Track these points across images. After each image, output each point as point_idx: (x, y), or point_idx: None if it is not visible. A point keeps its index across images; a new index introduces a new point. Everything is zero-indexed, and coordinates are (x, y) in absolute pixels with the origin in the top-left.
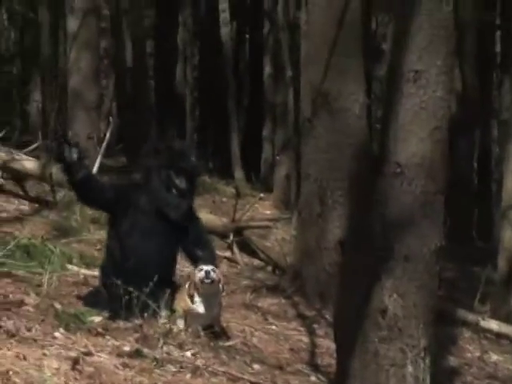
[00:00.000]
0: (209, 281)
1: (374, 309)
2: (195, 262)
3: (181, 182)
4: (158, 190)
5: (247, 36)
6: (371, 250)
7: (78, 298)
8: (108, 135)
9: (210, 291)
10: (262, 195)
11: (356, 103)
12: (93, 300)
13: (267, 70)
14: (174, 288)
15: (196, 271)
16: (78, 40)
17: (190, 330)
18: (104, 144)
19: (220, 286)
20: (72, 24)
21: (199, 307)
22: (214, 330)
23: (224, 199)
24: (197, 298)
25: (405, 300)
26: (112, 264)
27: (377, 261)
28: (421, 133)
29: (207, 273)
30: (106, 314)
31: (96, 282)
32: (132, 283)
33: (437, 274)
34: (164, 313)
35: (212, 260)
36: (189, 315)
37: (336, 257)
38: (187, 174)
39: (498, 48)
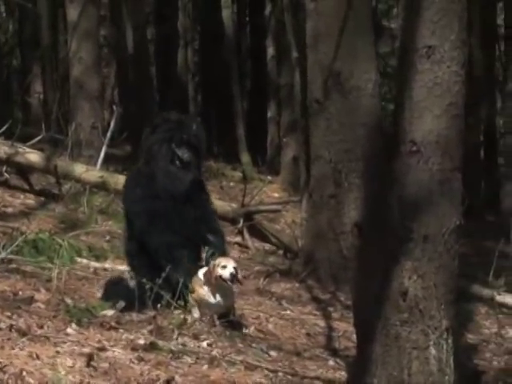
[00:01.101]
0: (231, 284)
1: (394, 291)
2: (205, 245)
3: (184, 154)
4: (162, 164)
5: (247, 19)
6: (389, 232)
7: (89, 291)
8: (112, 124)
9: (228, 285)
10: (269, 178)
11: (369, 82)
12: (105, 293)
13: (270, 51)
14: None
15: (217, 267)
16: (78, 29)
17: (204, 319)
18: (109, 133)
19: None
20: (72, 13)
21: (215, 298)
22: (229, 319)
23: (232, 184)
24: (213, 290)
25: (425, 281)
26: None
27: (395, 242)
28: (436, 109)
29: (233, 275)
30: (119, 307)
31: (106, 275)
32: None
33: (457, 253)
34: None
35: (223, 246)
36: (202, 305)
37: (353, 240)
38: (190, 145)
39: (500, 19)
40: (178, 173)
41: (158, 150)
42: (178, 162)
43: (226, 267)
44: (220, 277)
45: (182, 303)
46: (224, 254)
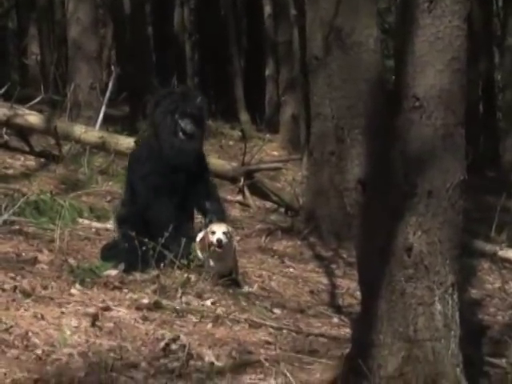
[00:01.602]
0: (220, 249)
1: (399, 247)
2: (204, 214)
3: (187, 125)
4: (166, 136)
5: None
6: (393, 188)
7: (92, 252)
8: (110, 84)
9: (227, 248)
10: (268, 137)
11: (370, 38)
12: (108, 253)
13: (267, 9)
14: (190, 237)
15: (208, 233)
16: None
17: (208, 277)
18: (107, 94)
19: (233, 240)
20: None
21: (211, 261)
22: (232, 278)
23: (231, 143)
24: (209, 255)
25: (430, 236)
26: (128, 218)
27: (399, 198)
28: (438, 64)
29: (219, 241)
30: (122, 267)
31: (109, 235)
32: (148, 235)
33: (461, 208)
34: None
35: (221, 213)
36: (205, 267)
37: (356, 196)
38: (193, 117)
39: None
40: (181, 144)
41: (162, 121)
42: (181, 134)
43: (214, 233)
44: (210, 242)
45: (185, 262)
46: (222, 219)
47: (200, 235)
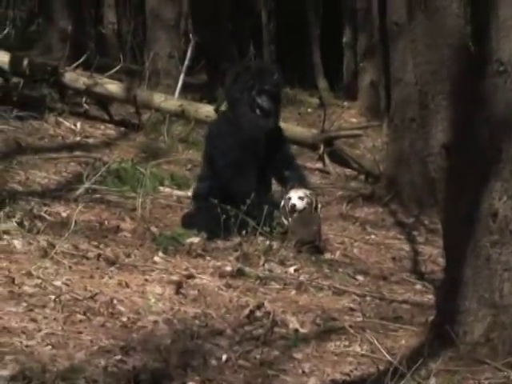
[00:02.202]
0: (295, 214)
1: (484, 213)
2: (283, 183)
3: (263, 102)
4: (243, 112)
5: None
6: (478, 153)
7: (174, 220)
8: (189, 53)
9: (301, 215)
10: (346, 104)
11: (453, 2)
12: (189, 221)
13: None
14: (273, 204)
15: (286, 199)
16: None
17: (290, 245)
18: (186, 62)
19: (315, 205)
20: None
21: (293, 228)
22: (315, 245)
23: (309, 110)
24: (291, 220)
25: None
26: (207, 192)
27: (484, 163)
28: None
29: (292, 206)
30: (205, 235)
31: (190, 203)
32: (230, 203)
33: None
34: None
35: (301, 180)
36: (290, 233)
37: (441, 162)
38: (270, 93)
39: None
40: (258, 120)
41: (240, 98)
42: (258, 110)
43: (290, 199)
44: (288, 208)
45: (268, 229)
46: (303, 183)
47: (283, 202)
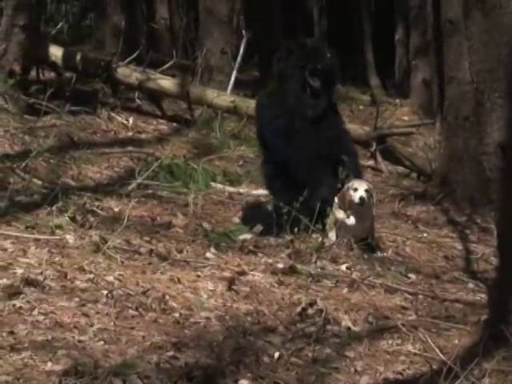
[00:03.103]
0: (362, 207)
1: None
2: (341, 166)
3: (315, 82)
4: (293, 90)
5: None
6: None
7: (226, 216)
8: (242, 49)
9: (366, 207)
10: (399, 101)
11: (510, 0)
12: (246, 216)
13: None
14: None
15: (350, 189)
16: None
17: (342, 243)
18: (238, 58)
19: (373, 199)
20: None
21: (351, 220)
22: (367, 242)
23: (361, 107)
24: (349, 212)
25: None
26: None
27: None
28: None
29: (362, 199)
30: (257, 231)
31: (242, 199)
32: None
33: None
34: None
35: (356, 166)
36: (341, 228)
37: (496, 160)
38: (322, 73)
39: None
40: (308, 100)
41: (291, 76)
42: (309, 90)
43: (356, 190)
44: (352, 200)
45: (320, 227)
46: (358, 175)
47: (336, 198)
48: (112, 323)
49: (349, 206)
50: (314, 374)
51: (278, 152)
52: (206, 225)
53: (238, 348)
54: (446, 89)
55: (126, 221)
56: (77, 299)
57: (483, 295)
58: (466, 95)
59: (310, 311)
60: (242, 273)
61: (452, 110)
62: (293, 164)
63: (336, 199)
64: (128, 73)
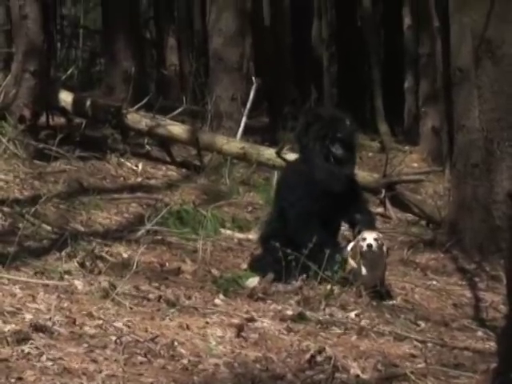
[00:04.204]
0: (371, 254)
1: None
2: (354, 225)
3: (337, 150)
4: (317, 162)
5: None
6: None
7: (235, 262)
8: (252, 96)
9: (373, 257)
10: (408, 148)
11: None
12: (255, 265)
13: (407, 21)
14: (336, 250)
15: (360, 240)
16: (217, 1)
17: (352, 290)
18: (248, 105)
19: (384, 249)
20: None
21: (363, 269)
22: (376, 289)
23: (370, 154)
24: (361, 262)
25: None
26: (273, 235)
27: None
28: None
29: (369, 246)
30: (270, 277)
31: (251, 246)
32: (293, 248)
33: None
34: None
35: (371, 223)
36: (352, 276)
37: (506, 209)
38: (344, 142)
39: None
40: (333, 169)
41: (313, 147)
42: (332, 159)
43: (365, 239)
44: (362, 249)
45: (329, 274)
46: (371, 227)
47: (351, 244)
48: (120, 369)
49: (360, 256)
50: None
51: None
52: (214, 271)
53: None
54: (456, 137)
55: (134, 267)
56: (85, 345)
57: (492, 343)
58: (475, 143)
59: (318, 358)
60: (251, 319)
61: (461, 158)
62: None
63: (349, 250)
64: (138, 119)
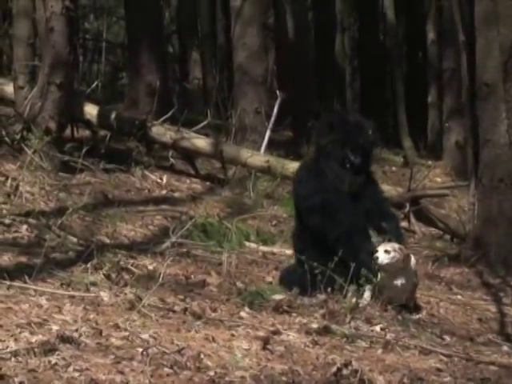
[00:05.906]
0: (377, 266)
1: None
2: (382, 234)
3: (356, 159)
4: (333, 165)
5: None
6: None
7: (259, 275)
8: (276, 109)
9: (392, 269)
10: (431, 163)
11: None
12: (285, 278)
13: (430, 36)
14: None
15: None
16: (242, 15)
17: (376, 304)
18: (272, 118)
19: (411, 263)
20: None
21: (381, 282)
22: (402, 303)
23: (394, 169)
24: (381, 275)
25: None
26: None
27: None
28: None
29: (374, 259)
30: (295, 294)
31: (275, 259)
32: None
33: None
34: (351, 287)
35: (398, 234)
36: (378, 289)
37: None
38: (363, 150)
39: None
40: (347, 176)
41: (332, 151)
42: (348, 166)
43: (377, 251)
44: (373, 261)
45: (355, 287)
46: (399, 238)
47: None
48: (147, 381)
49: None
50: None
51: (317, 229)
52: (239, 284)
53: None
54: (481, 151)
55: (160, 279)
56: (112, 356)
57: None
58: (501, 158)
59: (345, 372)
60: (277, 332)
61: (487, 173)
62: (331, 239)
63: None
64: (162, 131)
